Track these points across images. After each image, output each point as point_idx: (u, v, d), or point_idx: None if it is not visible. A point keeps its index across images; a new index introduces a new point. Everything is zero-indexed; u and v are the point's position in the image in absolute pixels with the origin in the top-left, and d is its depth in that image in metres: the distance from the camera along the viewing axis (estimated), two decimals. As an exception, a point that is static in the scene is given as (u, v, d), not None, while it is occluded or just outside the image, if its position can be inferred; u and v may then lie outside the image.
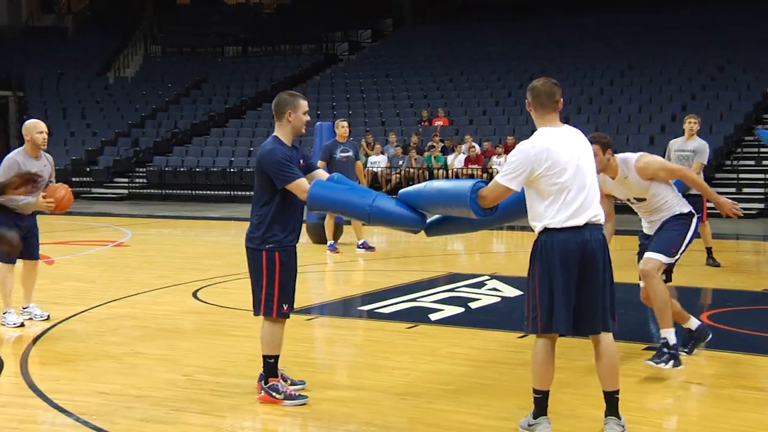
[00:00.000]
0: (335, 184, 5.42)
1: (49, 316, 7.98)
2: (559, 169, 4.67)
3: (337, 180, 5.55)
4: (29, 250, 7.73)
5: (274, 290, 5.42)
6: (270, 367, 5.49)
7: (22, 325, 7.71)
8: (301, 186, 5.32)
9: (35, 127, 7.63)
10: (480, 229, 5.54)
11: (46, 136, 7.65)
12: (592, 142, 5.11)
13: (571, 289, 4.66)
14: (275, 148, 5.40)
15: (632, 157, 6.07)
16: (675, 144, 10.91)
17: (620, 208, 6.60)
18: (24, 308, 7.94)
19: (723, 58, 23.99)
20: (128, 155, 26.43)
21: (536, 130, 4.86)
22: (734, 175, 19.01)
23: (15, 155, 7.58)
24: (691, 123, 10.69)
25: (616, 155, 6.14)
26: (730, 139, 20.23)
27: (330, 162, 12.27)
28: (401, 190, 5.33)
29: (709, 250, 11.04)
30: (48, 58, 31.57)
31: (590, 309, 4.71)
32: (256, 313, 5.51)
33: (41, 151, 7.70)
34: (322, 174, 5.65)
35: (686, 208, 6.25)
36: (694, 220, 6.27)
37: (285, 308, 5.48)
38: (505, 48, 28.01)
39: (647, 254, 6.17)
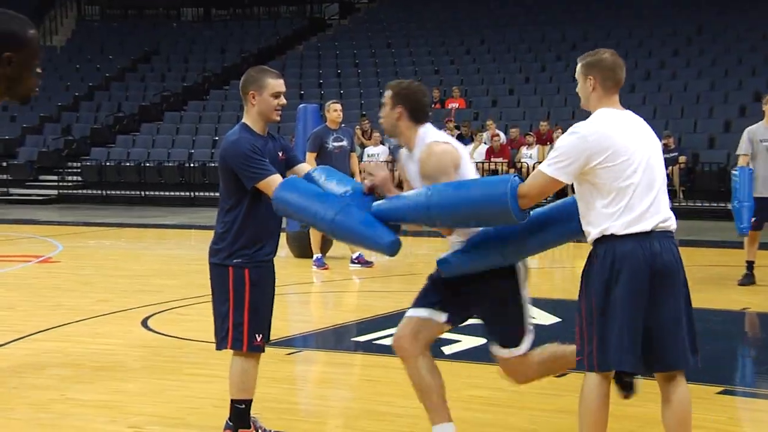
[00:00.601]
0: (308, 184, 5.33)
1: None
2: (624, 160, 4.64)
3: (319, 175, 5.44)
4: None
5: (243, 317, 5.37)
6: (240, 413, 5.46)
7: None
8: (273, 185, 5.27)
9: None
10: (515, 260, 5.31)
11: None
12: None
13: (639, 314, 4.60)
14: (241, 138, 5.42)
15: (435, 137, 5.27)
16: (758, 132, 10.93)
17: (694, 211, 6.60)
18: None
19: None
20: (57, 146, 26.47)
21: (589, 112, 4.84)
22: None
23: None
24: None
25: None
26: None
27: (320, 153, 12.35)
28: (379, 204, 5.10)
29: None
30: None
31: (666, 339, 4.67)
32: (221, 346, 5.47)
33: None
34: (306, 169, 5.65)
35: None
36: None
37: (258, 339, 5.43)
38: (537, 10, 28.07)
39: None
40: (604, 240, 4.66)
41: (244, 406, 5.46)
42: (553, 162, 4.68)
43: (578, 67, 4.91)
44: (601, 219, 4.67)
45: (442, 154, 5.10)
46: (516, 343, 5.28)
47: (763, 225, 11.03)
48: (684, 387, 4.77)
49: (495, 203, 4.74)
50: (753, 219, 10.88)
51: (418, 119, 5.20)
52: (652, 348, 4.65)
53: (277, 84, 5.52)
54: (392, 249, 4.98)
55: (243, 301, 5.37)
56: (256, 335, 5.41)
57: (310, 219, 5.18)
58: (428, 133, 5.22)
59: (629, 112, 4.88)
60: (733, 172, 11.01)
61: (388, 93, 5.27)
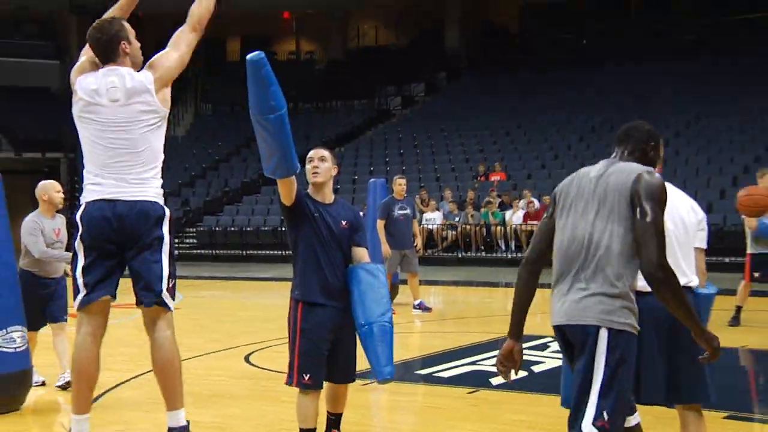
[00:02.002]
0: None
1: (44, 381, 7.96)
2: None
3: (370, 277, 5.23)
4: (54, 313, 7.78)
5: (294, 354, 5.16)
6: None
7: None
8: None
9: (53, 187, 7.80)
10: None
11: (58, 199, 7.81)
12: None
13: (659, 355, 4.47)
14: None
15: None
16: None
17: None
18: (61, 375, 7.89)
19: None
20: (178, 215, 26.73)
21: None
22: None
23: (33, 216, 7.70)
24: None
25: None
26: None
27: (388, 219, 12.39)
28: None
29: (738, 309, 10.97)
30: (98, 119, 32.18)
31: (687, 375, 4.55)
32: (286, 380, 5.26)
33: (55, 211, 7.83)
34: (363, 256, 5.35)
35: None
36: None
37: (306, 378, 5.12)
38: (563, 99, 28.02)
39: None
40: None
41: None
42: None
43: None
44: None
45: None
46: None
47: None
48: (702, 418, 4.68)
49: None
50: (757, 273, 10.69)
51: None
52: (672, 383, 4.53)
53: (310, 153, 5.41)
54: (386, 379, 5.25)
55: (295, 338, 5.16)
56: (304, 374, 5.13)
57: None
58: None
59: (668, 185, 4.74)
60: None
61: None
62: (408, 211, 12.70)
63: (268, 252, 23.64)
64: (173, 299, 5.12)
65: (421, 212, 22.13)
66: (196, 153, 30.71)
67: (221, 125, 33.09)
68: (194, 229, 26.11)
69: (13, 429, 6.76)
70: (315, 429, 5.25)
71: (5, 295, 7.09)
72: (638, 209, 3.64)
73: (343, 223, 5.29)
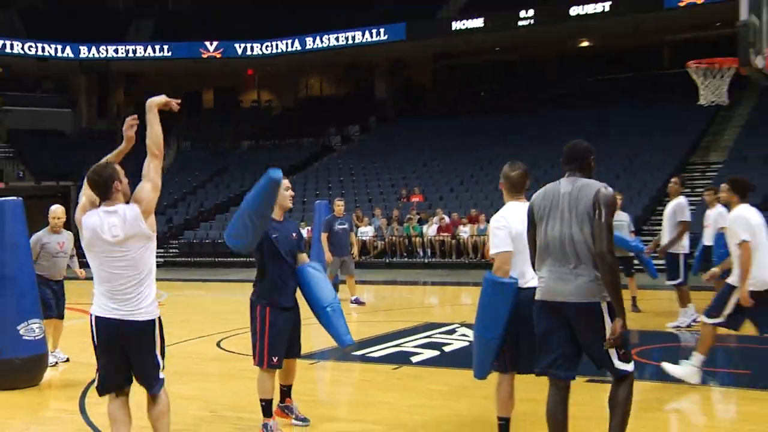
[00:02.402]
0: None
1: (68, 358, 7.94)
2: (521, 235, 4.56)
3: (314, 271, 5.35)
4: (59, 309, 7.98)
5: (264, 342, 5.19)
6: (263, 408, 5.31)
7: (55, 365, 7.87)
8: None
9: (53, 213, 7.95)
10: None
11: (58, 221, 7.91)
12: None
13: (532, 335, 4.46)
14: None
15: None
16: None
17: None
18: (51, 352, 7.92)
19: (636, 147, 24.33)
20: (164, 230, 26.36)
21: (502, 203, 4.82)
22: (650, 237, 19.11)
23: (39, 233, 7.88)
24: (619, 199, 10.88)
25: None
26: (647, 209, 20.42)
27: (330, 232, 12.42)
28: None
29: (634, 299, 11.10)
30: (101, 154, 31.24)
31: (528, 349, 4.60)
32: (254, 362, 5.29)
33: (62, 229, 7.99)
34: (305, 259, 5.43)
35: None
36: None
37: (275, 360, 5.20)
38: (466, 138, 28.32)
39: None
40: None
41: (265, 403, 5.29)
42: (497, 245, 4.59)
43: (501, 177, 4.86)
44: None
45: None
46: None
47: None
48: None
49: (495, 292, 4.54)
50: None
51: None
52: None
53: (286, 182, 5.38)
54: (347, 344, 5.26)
55: (264, 333, 5.20)
56: (273, 357, 5.21)
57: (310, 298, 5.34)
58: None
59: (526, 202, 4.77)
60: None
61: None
62: (346, 225, 12.75)
63: (234, 259, 23.40)
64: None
65: (357, 227, 22.18)
66: (178, 180, 30.29)
67: (198, 159, 32.72)
68: (177, 241, 25.72)
69: (33, 400, 6.66)
70: (272, 399, 5.29)
71: (26, 295, 7.11)
72: (596, 213, 4.10)
73: (293, 235, 5.36)
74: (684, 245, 9.47)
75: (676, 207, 9.30)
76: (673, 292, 9.88)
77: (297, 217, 23.02)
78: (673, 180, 9.77)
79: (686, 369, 6.32)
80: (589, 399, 6.04)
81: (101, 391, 4.56)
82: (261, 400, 5.30)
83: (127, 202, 4.39)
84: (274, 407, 5.41)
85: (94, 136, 34.77)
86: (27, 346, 7.02)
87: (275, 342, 5.17)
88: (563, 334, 4.18)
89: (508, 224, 4.61)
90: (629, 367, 4.29)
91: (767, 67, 8.31)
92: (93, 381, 7.24)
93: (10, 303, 6.97)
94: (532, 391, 5.85)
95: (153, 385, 4.53)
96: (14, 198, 7.20)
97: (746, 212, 6.14)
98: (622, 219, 10.90)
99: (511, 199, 4.79)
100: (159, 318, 4.50)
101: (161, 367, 4.50)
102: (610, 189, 4.23)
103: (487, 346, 4.57)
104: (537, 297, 4.27)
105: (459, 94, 33.57)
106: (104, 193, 4.41)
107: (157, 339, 4.48)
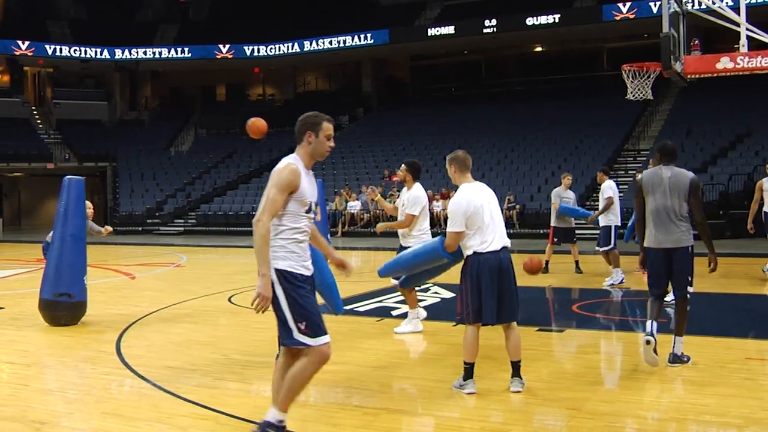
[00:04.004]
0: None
1: None
2: (480, 212, 4.65)
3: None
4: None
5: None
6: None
7: None
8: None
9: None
10: (441, 272, 5.41)
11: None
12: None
13: (494, 292, 4.61)
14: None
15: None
16: (559, 192, 11.05)
17: (524, 235, 6.62)
18: None
19: (581, 133, 24.39)
20: (184, 204, 26.22)
21: (458, 186, 4.87)
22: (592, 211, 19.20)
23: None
24: (568, 179, 10.92)
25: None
26: (589, 188, 20.55)
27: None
28: (380, 268, 5.29)
29: (577, 263, 11.19)
30: (132, 140, 31.60)
31: (507, 305, 4.67)
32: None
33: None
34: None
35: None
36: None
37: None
38: (441, 126, 28.23)
39: None
40: (474, 255, 4.70)
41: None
42: (453, 224, 4.68)
43: (447, 161, 4.93)
44: (472, 245, 4.69)
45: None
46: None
47: (561, 243, 11.09)
48: (516, 329, 4.80)
49: (435, 254, 4.87)
50: (556, 239, 10.96)
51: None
52: (501, 310, 4.67)
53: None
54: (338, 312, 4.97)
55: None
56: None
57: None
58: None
59: (478, 183, 4.83)
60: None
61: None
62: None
63: (243, 228, 23.30)
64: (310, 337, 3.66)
65: (347, 201, 22.14)
66: (196, 162, 30.02)
67: (212, 143, 32.41)
68: (194, 213, 25.55)
69: (79, 341, 6.63)
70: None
71: (82, 256, 7.61)
72: (693, 193, 5.18)
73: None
74: (614, 218, 9.99)
75: (604, 187, 10.15)
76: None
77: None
78: (599, 171, 10.59)
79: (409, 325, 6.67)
80: (538, 344, 6.09)
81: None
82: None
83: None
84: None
85: (126, 124, 34.84)
86: (85, 293, 7.62)
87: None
88: (664, 267, 5.20)
89: (464, 205, 4.65)
90: (692, 289, 5.36)
91: (684, 72, 8.53)
92: (128, 327, 7.25)
93: (81, 260, 7.55)
94: (490, 338, 5.94)
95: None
96: (80, 177, 7.75)
97: None
98: (569, 196, 10.99)
99: (464, 179, 4.80)
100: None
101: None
102: (695, 176, 5.26)
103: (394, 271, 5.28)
104: (648, 245, 5.24)
105: (433, 88, 33.43)
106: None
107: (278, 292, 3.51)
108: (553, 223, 11.01)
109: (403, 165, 6.46)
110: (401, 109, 31.83)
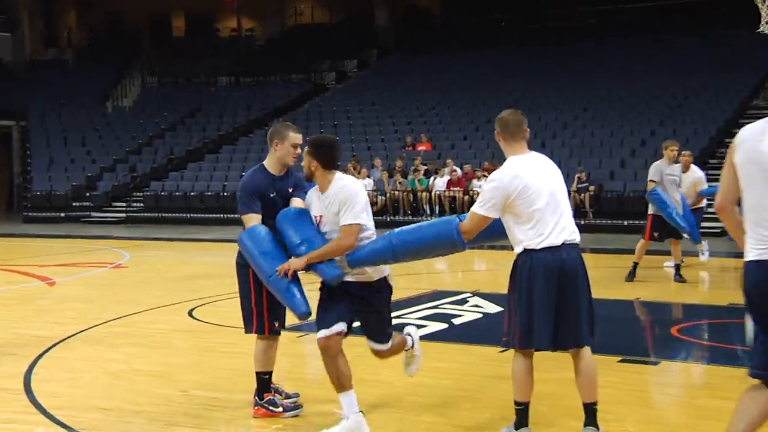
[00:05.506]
0: (267, 235, 5.02)
1: None
2: (532, 194, 4.63)
3: (291, 218, 5.06)
4: None
5: (263, 307, 5.29)
6: (263, 382, 5.42)
7: None
8: (248, 223, 5.18)
9: None
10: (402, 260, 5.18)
11: None
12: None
13: (551, 306, 4.59)
14: (249, 176, 5.30)
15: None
16: (660, 167, 10.76)
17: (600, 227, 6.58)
18: None
19: (687, 86, 24.20)
20: (126, 181, 26.37)
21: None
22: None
23: None
24: (672, 149, 10.73)
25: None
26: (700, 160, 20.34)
27: None
28: (350, 256, 4.89)
29: (677, 267, 11.05)
30: (50, 89, 31.58)
31: (571, 324, 4.65)
32: (248, 330, 5.42)
33: None
34: (297, 203, 5.27)
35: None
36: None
37: (276, 325, 5.36)
38: (484, 75, 28.15)
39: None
40: (525, 252, 4.65)
41: (266, 376, 5.42)
42: (481, 204, 4.66)
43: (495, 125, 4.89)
44: (522, 239, 4.65)
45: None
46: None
47: (664, 239, 10.95)
48: (591, 358, 4.76)
49: (445, 240, 4.71)
50: (656, 233, 10.80)
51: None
52: (561, 331, 4.63)
53: (296, 137, 5.32)
54: (303, 317, 4.99)
55: (261, 295, 5.23)
56: (275, 322, 5.34)
57: (256, 269, 5.04)
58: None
59: (534, 153, 4.83)
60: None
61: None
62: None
63: (210, 215, 23.41)
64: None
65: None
66: (143, 122, 30.16)
67: (167, 97, 32.55)
68: (141, 194, 25.69)
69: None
70: (272, 372, 5.46)
71: None
72: None
73: (290, 190, 5.35)
74: None
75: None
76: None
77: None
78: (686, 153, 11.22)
79: None
80: (621, 381, 6.06)
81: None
82: (260, 374, 5.38)
83: None
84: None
85: (40, 67, 34.57)
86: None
87: (275, 304, 5.19)
88: None
89: (505, 183, 4.62)
90: None
91: None
92: (43, 354, 7.26)
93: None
94: (552, 369, 5.88)
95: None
96: None
97: None
98: (674, 173, 10.74)
99: (514, 150, 4.79)
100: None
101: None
102: None
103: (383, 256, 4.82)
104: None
105: (473, 22, 33.23)
106: None
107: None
108: (651, 211, 10.84)
109: (306, 147, 5.15)
110: (428, 50, 31.83)
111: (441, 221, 4.93)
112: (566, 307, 4.63)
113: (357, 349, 7.62)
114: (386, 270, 5.08)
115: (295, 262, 4.89)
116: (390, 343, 5.32)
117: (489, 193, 4.65)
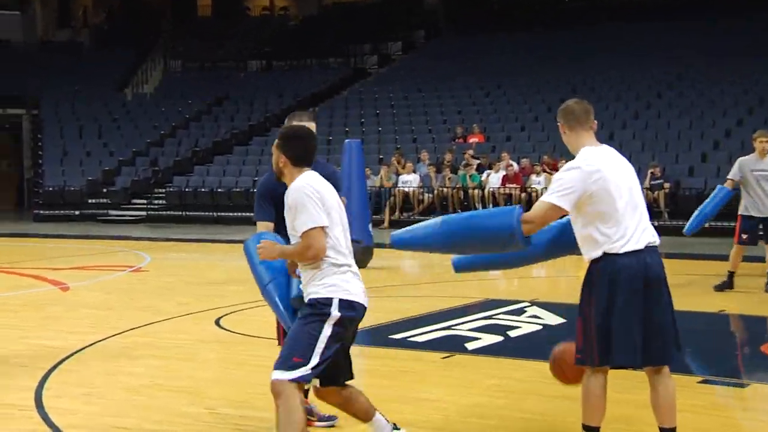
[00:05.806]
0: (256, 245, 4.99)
1: None
2: (613, 189, 4.57)
3: (252, 250, 5.12)
4: None
5: None
6: None
7: None
8: (258, 230, 5.30)
9: None
10: (516, 266, 5.36)
11: None
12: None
13: (635, 317, 4.52)
14: (265, 176, 5.44)
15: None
16: (749, 163, 10.62)
17: (677, 229, 6.50)
18: None
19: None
20: (146, 175, 26.64)
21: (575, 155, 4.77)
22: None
23: None
24: (765, 141, 10.55)
25: None
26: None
27: None
28: (399, 234, 4.88)
29: None
30: (63, 74, 31.95)
31: (658, 338, 4.58)
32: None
33: None
34: None
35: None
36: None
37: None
38: (544, 59, 27.99)
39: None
40: (604, 257, 4.57)
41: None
42: (555, 191, 4.56)
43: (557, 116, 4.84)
44: (599, 242, 4.57)
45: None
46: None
47: (757, 241, 10.77)
48: (670, 377, 4.70)
49: (503, 230, 4.57)
50: (745, 236, 10.66)
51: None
52: (647, 346, 4.56)
53: (309, 126, 5.18)
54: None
55: None
56: None
57: (254, 276, 5.08)
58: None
59: (607, 147, 4.78)
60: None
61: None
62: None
63: (239, 214, 23.54)
64: None
65: (398, 174, 22.16)
66: (165, 111, 30.46)
67: (191, 83, 32.85)
68: (163, 190, 25.91)
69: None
70: None
71: None
72: None
73: None
74: None
75: None
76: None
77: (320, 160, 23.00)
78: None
79: None
80: (704, 404, 5.99)
81: None
82: None
83: None
84: None
85: (53, 49, 34.88)
86: None
87: None
88: None
89: (585, 172, 4.56)
90: None
91: None
92: (56, 366, 7.36)
93: None
94: (624, 390, 5.82)
95: None
96: None
97: None
98: (765, 168, 10.56)
99: (583, 141, 4.77)
100: None
101: None
102: None
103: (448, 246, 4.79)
104: None
105: (534, 0, 33.05)
106: None
107: None
108: (740, 211, 10.68)
109: (276, 140, 4.94)
110: (482, 31, 31.74)
111: (502, 209, 4.91)
112: (650, 317, 4.56)
113: (406, 363, 7.64)
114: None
115: (272, 249, 4.79)
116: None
117: (569, 181, 4.54)
